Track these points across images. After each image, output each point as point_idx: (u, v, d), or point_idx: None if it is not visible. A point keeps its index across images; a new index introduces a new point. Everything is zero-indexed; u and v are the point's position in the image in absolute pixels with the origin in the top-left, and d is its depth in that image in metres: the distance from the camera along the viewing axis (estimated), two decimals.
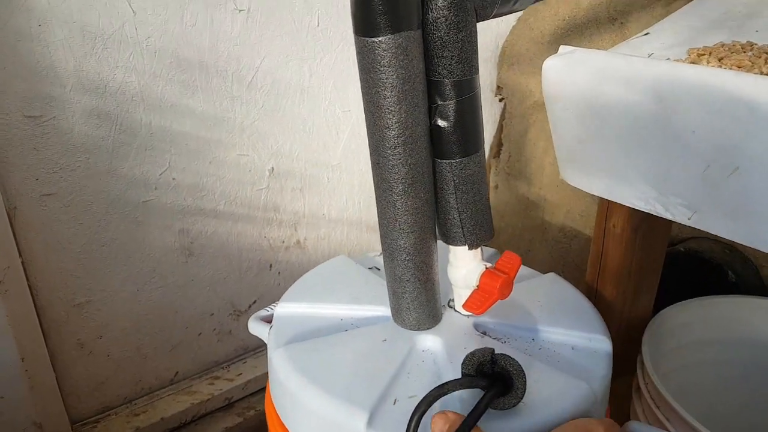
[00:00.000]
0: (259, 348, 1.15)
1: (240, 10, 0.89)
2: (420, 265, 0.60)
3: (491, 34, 1.20)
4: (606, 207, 0.82)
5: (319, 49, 0.99)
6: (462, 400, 0.55)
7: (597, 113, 0.64)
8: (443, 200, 0.59)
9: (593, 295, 0.88)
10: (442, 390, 0.51)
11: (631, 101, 0.60)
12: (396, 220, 0.57)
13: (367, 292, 0.72)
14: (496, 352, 0.54)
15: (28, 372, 0.83)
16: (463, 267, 0.63)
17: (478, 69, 0.54)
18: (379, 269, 0.78)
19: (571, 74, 0.65)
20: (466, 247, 0.61)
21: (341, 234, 1.16)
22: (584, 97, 0.64)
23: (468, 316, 0.66)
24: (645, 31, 0.75)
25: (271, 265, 1.10)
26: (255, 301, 1.10)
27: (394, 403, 0.56)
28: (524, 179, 1.29)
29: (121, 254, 0.92)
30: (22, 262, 0.83)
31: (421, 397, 0.50)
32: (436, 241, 0.62)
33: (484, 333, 0.65)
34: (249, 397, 1.10)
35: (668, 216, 0.63)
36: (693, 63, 0.64)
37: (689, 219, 0.61)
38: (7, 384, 0.82)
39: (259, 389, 1.11)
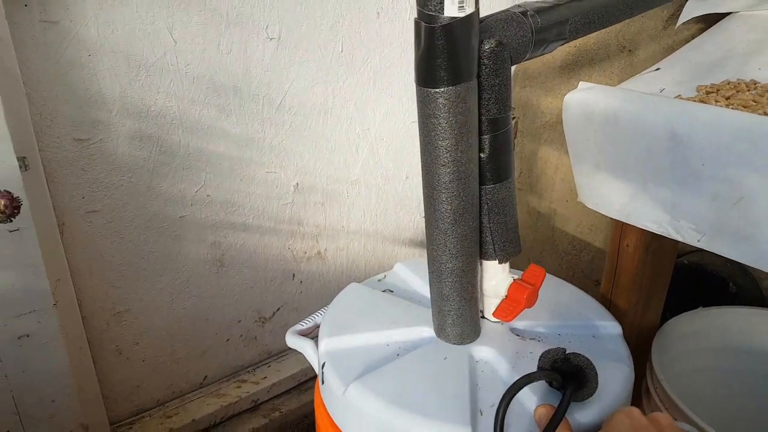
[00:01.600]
0: (282, 353, 1.20)
1: (271, 39, 0.94)
2: (466, 285, 0.65)
3: None
4: (621, 228, 0.87)
5: (342, 72, 1.04)
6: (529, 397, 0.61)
7: (614, 144, 0.69)
8: None
9: (607, 305, 0.93)
10: (529, 378, 0.56)
11: (645, 135, 0.66)
12: (446, 246, 0.62)
13: (396, 315, 0.75)
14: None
15: (75, 377, 0.88)
16: (492, 279, 0.68)
17: (511, 107, 0.60)
18: (392, 291, 0.82)
19: (589, 108, 0.70)
20: (497, 261, 0.67)
21: (359, 245, 1.21)
22: (602, 130, 0.70)
23: (497, 322, 0.72)
24: (656, 66, 0.80)
25: (294, 275, 1.15)
26: (279, 309, 1.16)
27: (481, 414, 0.60)
28: (535, 194, 1.35)
29: (158, 266, 0.98)
30: (70, 275, 0.88)
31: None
32: (479, 263, 0.67)
33: (519, 336, 0.71)
34: (274, 399, 1.16)
35: (679, 238, 0.69)
36: (702, 101, 0.70)
37: (698, 241, 0.66)
38: (59, 389, 0.87)
39: (283, 392, 1.16)
